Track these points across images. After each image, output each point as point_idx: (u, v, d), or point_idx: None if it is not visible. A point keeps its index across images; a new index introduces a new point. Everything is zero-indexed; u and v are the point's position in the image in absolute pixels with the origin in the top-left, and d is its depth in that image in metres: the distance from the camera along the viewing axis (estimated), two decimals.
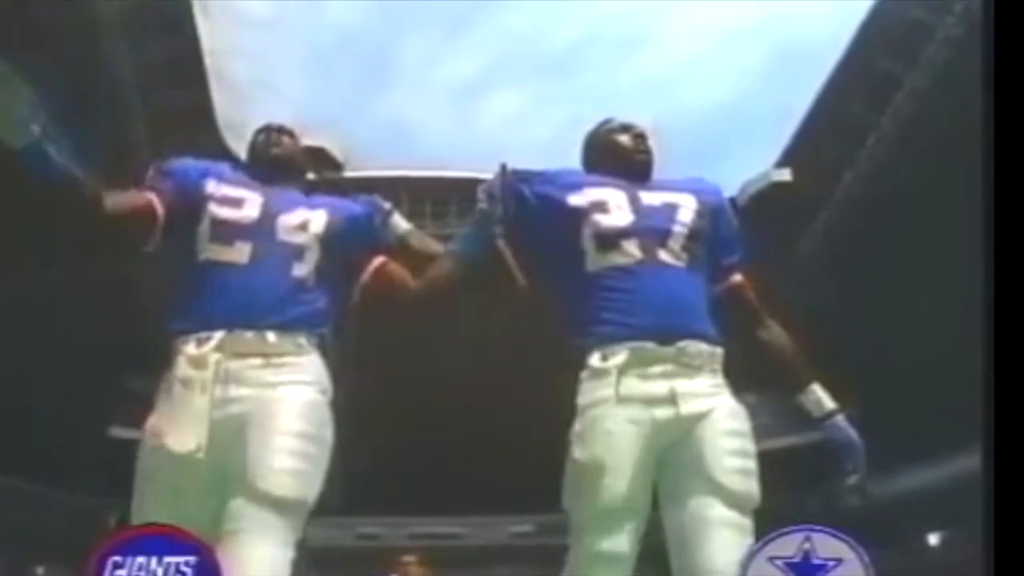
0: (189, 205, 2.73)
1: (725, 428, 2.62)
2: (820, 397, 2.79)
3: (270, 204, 2.80)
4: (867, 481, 2.72)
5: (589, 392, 2.67)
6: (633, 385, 2.57)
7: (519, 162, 2.91)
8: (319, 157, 3.16)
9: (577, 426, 2.65)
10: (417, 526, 36.45)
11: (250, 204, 2.77)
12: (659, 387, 2.57)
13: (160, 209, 2.69)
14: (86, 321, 26.21)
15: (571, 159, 3.21)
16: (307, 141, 3.12)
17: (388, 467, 35.77)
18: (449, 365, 32.07)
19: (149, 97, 24.58)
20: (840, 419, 2.75)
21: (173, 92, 25.31)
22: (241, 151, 3.08)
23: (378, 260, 2.90)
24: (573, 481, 2.65)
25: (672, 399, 2.57)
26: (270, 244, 2.70)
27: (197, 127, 24.98)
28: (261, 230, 2.71)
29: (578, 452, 2.61)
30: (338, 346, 2.83)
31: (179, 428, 2.36)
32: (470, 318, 28.78)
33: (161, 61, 24.50)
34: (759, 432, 2.73)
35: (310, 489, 2.42)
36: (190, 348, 2.46)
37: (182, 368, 2.45)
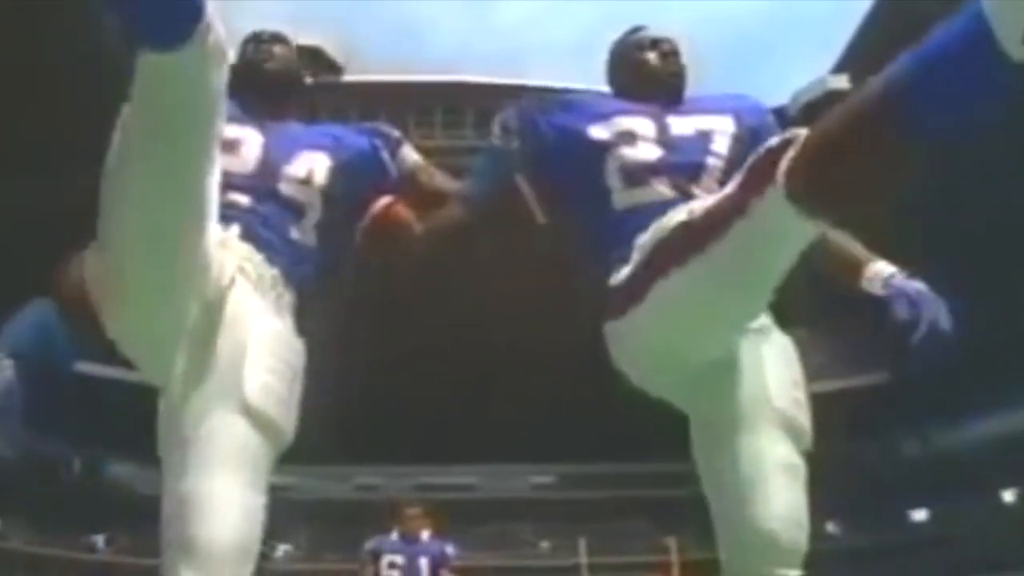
0: None
1: (784, 355, 2.66)
2: (879, 267, 2.68)
3: (270, 149, 2.79)
4: (952, 339, 2.49)
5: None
6: None
7: (539, 66, 2.90)
8: (315, 58, 3.13)
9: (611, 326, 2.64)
10: (424, 476, 36.80)
11: (248, 147, 2.77)
12: None
13: None
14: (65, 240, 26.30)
15: (596, 67, 3.18)
16: (302, 40, 3.08)
17: (390, 410, 36.01)
18: (461, 297, 32.14)
19: None
20: (906, 278, 2.60)
21: None
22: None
23: (382, 202, 2.90)
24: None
25: None
26: (268, 201, 2.71)
27: None
28: (261, 184, 2.72)
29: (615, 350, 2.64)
30: (334, 285, 2.87)
31: None
32: (484, 250, 28.77)
33: None
34: (817, 373, 2.73)
35: (289, 414, 2.43)
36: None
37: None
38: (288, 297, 2.63)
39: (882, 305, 2.48)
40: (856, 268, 2.61)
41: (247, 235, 2.60)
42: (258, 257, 2.58)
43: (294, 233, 2.72)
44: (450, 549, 7.62)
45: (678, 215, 2.38)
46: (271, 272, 2.58)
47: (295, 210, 2.75)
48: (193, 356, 2.32)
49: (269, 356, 2.40)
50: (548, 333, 31.61)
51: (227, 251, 2.45)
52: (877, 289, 2.54)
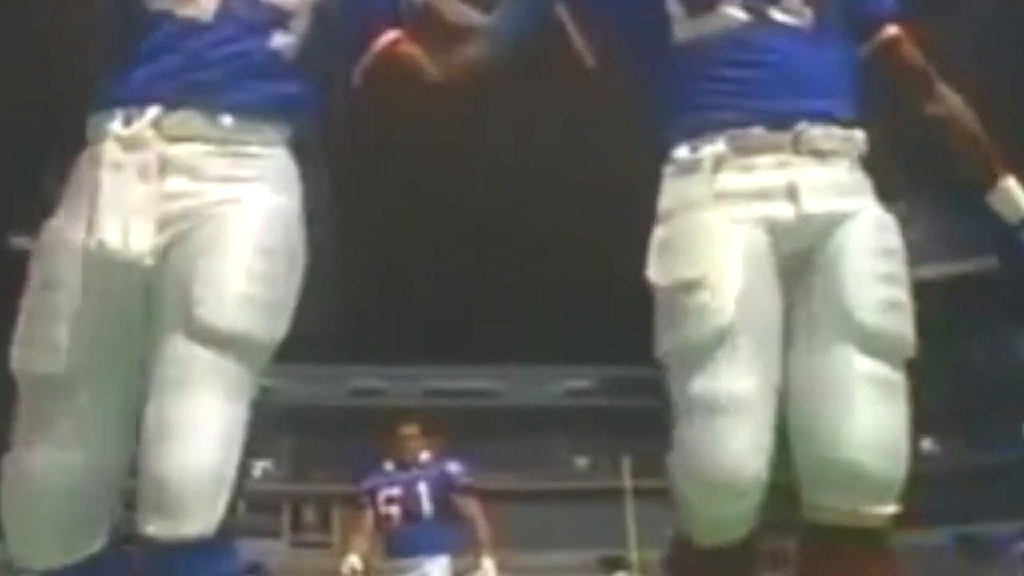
0: None
1: (868, 245, 2.58)
2: (1015, 195, 2.72)
3: None
4: None
5: (674, 192, 2.66)
6: (735, 180, 2.56)
7: None
8: None
9: (659, 233, 2.69)
10: (434, 379, 37.11)
11: None
12: (771, 179, 2.55)
13: None
14: None
15: None
16: None
17: (395, 298, 36.11)
18: (485, 165, 31.96)
19: None
20: None
21: None
22: None
23: (389, 35, 2.84)
24: (662, 315, 2.70)
25: (791, 193, 2.55)
26: (247, 1, 2.66)
27: None
28: None
29: (660, 272, 2.62)
30: (326, 144, 2.84)
31: (119, 227, 2.37)
32: (514, 108, 28.44)
33: None
34: (913, 255, 2.70)
35: (272, 323, 2.44)
36: (116, 126, 2.46)
37: (109, 152, 2.45)
38: (273, 129, 2.61)
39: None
40: (981, 177, 2.66)
41: (182, 93, 2.57)
42: (195, 113, 2.54)
43: (276, 40, 2.67)
44: (453, 467, 7.60)
45: None
46: (222, 128, 2.54)
47: (277, 16, 2.69)
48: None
49: (233, 255, 2.41)
50: (590, 213, 31.51)
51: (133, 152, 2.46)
52: (1008, 217, 2.60)
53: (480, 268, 35.79)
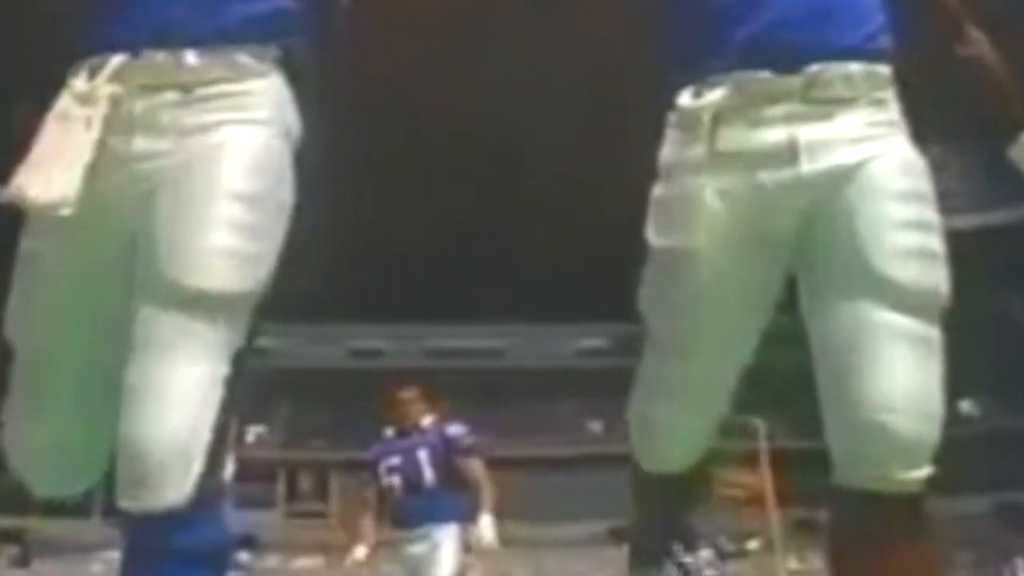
0: None
1: (892, 190, 2.57)
2: None
3: None
4: None
5: (675, 147, 2.68)
6: (735, 136, 2.55)
7: None
8: None
9: (657, 191, 2.65)
10: (439, 338, 37.23)
11: None
12: (774, 136, 2.55)
13: None
14: None
15: None
16: None
17: (397, 252, 36.14)
18: (494, 104, 31.87)
19: None
20: None
21: None
22: None
23: None
24: (651, 275, 2.70)
25: (792, 153, 2.54)
26: None
27: None
28: None
29: (656, 233, 2.63)
30: (318, 70, 2.81)
31: (43, 173, 2.36)
32: (520, 35, 28.20)
33: None
34: (949, 203, 2.69)
35: (255, 275, 2.39)
36: (78, 81, 2.45)
37: (61, 105, 2.43)
38: (253, 57, 2.56)
39: None
40: (1011, 126, 2.65)
41: (145, 35, 2.54)
42: (159, 56, 2.52)
43: None
44: (454, 430, 7.54)
45: None
46: (192, 70, 2.51)
47: None
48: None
49: (205, 205, 2.38)
50: (606, 158, 31.47)
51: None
52: None
53: (486, 219, 35.77)
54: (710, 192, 2.60)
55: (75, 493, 2.58)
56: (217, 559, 2.32)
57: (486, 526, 7.02)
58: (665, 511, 3.04)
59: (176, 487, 2.21)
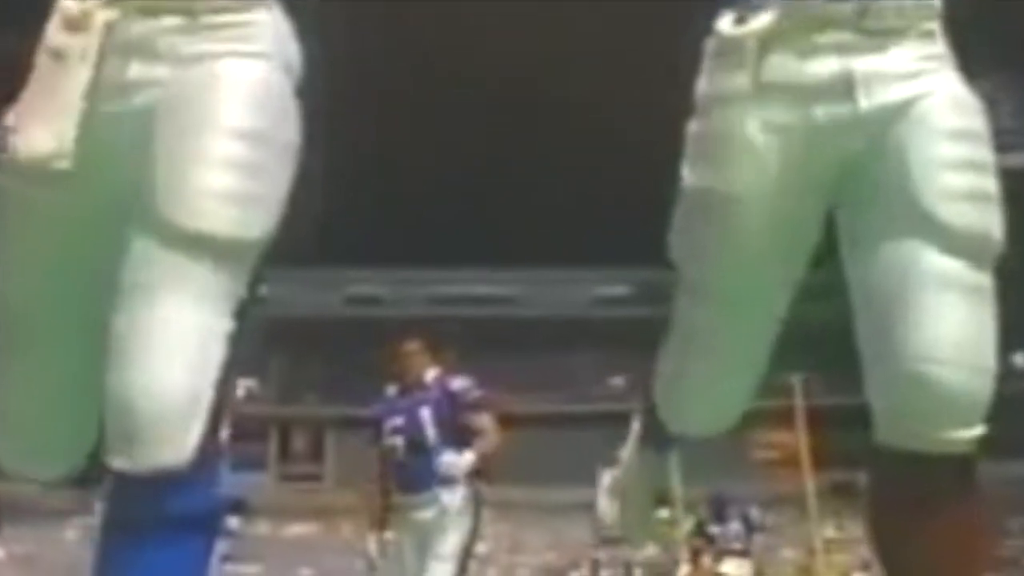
0: None
1: (943, 127, 2.58)
2: None
3: None
4: None
5: (714, 77, 2.68)
6: (783, 66, 2.56)
7: None
8: None
9: (693, 126, 2.66)
10: (441, 284, 37.29)
11: None
12: (825, 67, 2.56)
13: None
14: None
15: None
16: None
17: (397, 193, 36.13)
18: (500, 36, 31.79)
19: None
20: None
21: None
22: None
23: None
24: (685, 217, 2.70)
25: (847, 86, 2.55)
26: None
27: None
28: None
29: (691, 172, 2.63)
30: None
31: (36, 122, 2.38)
32: None
33: None
34: (999, 141, 2.69)
35: (259, 220, 2.42)
36: (69, 3, 2.46)
37: (54, 34, 2.45)
38: (241, 19, 2.58)
39: None
40: None
41: None
42: None
43: None
44: (458, 384, 7.48)
45: None
46: None
47: None
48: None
49: (206, 140, 2.39)
50: (628, 89, 31.38)
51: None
52: None
53: (496, 155, 35.71)
54: (754, 126, 2.61)
55: (49, 474, 2.57)
56: (209, 526, 2.35)
57: (462, 459, 6.96)
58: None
59: (177, 447, 2.21)
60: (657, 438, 3.13)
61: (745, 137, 2.60)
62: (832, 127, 2.60)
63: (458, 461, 6.91)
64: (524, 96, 34.42)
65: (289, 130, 2.54)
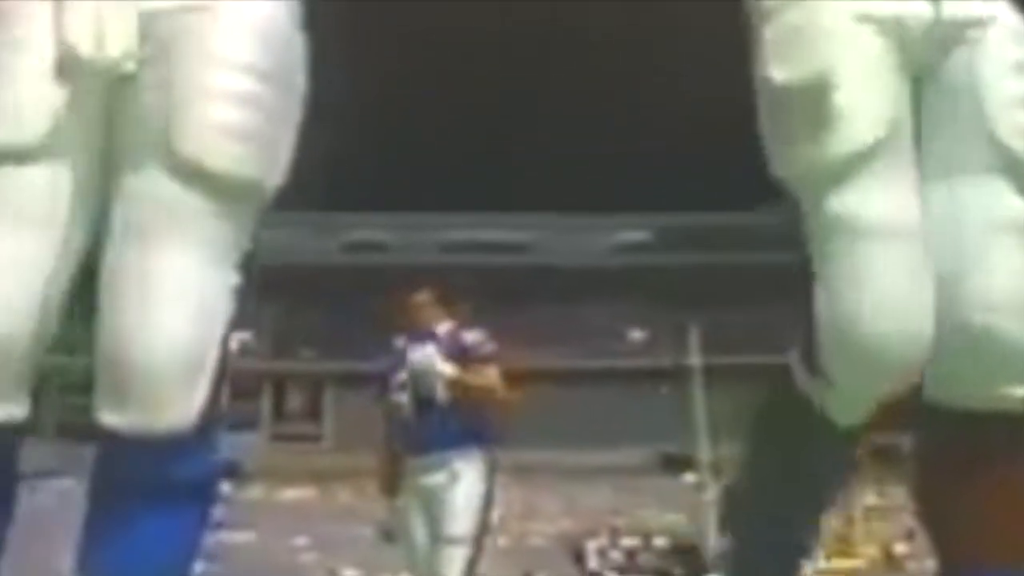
0: None
1: (1010, 60, 2.60)
2: None
3: None
4: None
5: None
6: None
7: None
8: None
9: (768, 34, 2.62)
10: (451, 230, 37.22)
11: None
12: None
13: None
14: None
15: None
16: None
17: (404, 131, 36.07)
18: None
19: None
20: None
21: None
22: None
23: None
24: (784, 123, 2.62)
25: None
26: None
27: None
28: None
29: (778, 68, 2.58)
30: None
31: (83, 19, 2.38)
32: None
33: None
34: None
35: (263, 161, 2.42)
36: None
37: None
38: None
39: None
40: None
41: None
42: None
43: None
44: (470, 337, 7.37)
45: None
46: None
47: None
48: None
49: (217, 74, 2.40)
50: (651, 17, 31.37)
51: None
52: None
53: (511, 93, 35.66)
54: (842, 16, 2.59)
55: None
56: (206, 493, 2.36)
57: (448, 367, 6.85)
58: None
59: (181, 409, 2.21)
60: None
61: (833, 26, 2.58)
62: (916, 26, 2.59)
63: (436, 357, 6.84)
64: (540, 34, 34.37)
65: (297, 74, 2.55)
